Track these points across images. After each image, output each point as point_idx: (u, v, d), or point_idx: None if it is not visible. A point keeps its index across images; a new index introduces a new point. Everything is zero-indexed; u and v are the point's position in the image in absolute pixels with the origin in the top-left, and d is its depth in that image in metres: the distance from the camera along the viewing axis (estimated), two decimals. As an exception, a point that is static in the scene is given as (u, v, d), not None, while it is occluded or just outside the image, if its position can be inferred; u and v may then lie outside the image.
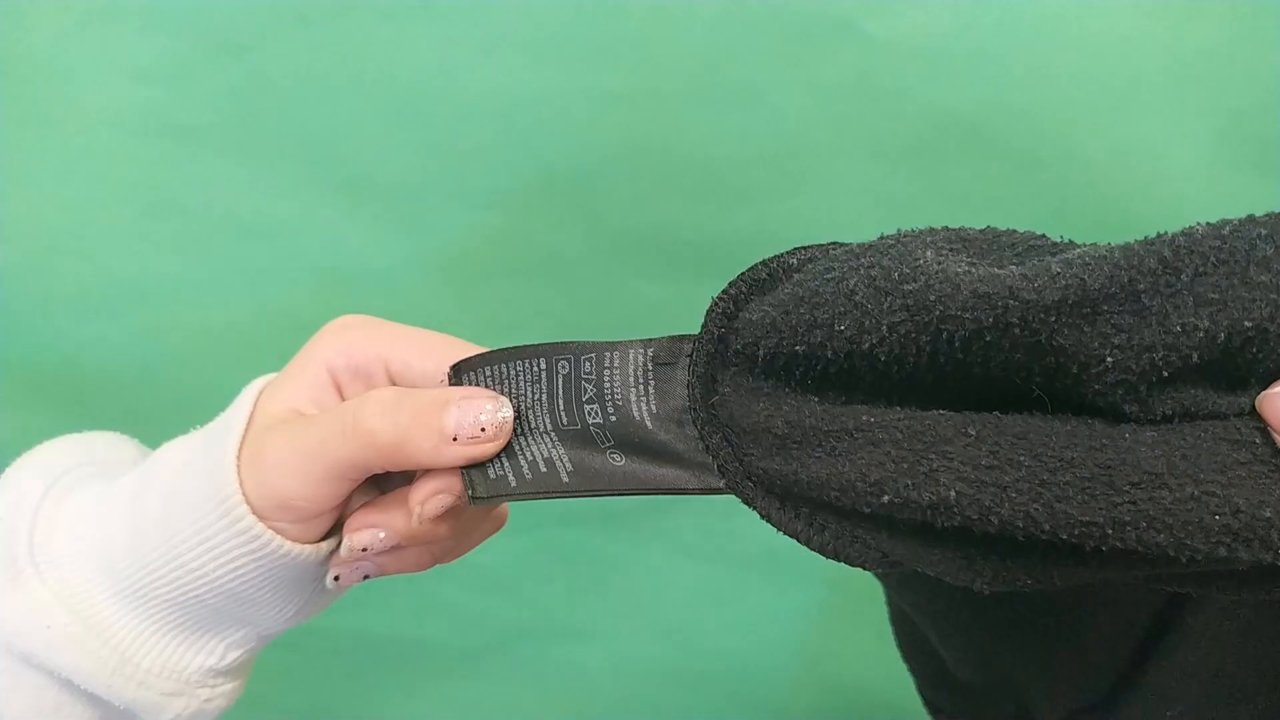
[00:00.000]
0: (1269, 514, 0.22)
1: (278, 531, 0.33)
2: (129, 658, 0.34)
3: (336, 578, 0.35)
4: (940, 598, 0.38)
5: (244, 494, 0.32)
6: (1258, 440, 0.23)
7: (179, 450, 0.35)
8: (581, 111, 0.51)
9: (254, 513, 0.32)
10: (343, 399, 0.34)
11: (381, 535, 0.33)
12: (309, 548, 0.34)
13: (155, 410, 0.61)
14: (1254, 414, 0.23)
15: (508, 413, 0.31)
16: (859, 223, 0.54)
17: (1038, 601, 0.35)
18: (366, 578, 0.36)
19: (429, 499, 0.33)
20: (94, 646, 0.33)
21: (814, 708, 0.73)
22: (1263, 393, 0.23)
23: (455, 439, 0.31)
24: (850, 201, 0.54)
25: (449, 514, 0.33)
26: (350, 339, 0.34)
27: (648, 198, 0.55)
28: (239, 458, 0.32)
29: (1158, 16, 0.48)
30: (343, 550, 0.34)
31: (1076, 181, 0.52)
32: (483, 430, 0.31)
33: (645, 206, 0.55)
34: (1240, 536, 0.22)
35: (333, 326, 0.35)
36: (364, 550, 0.33)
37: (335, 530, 0.35)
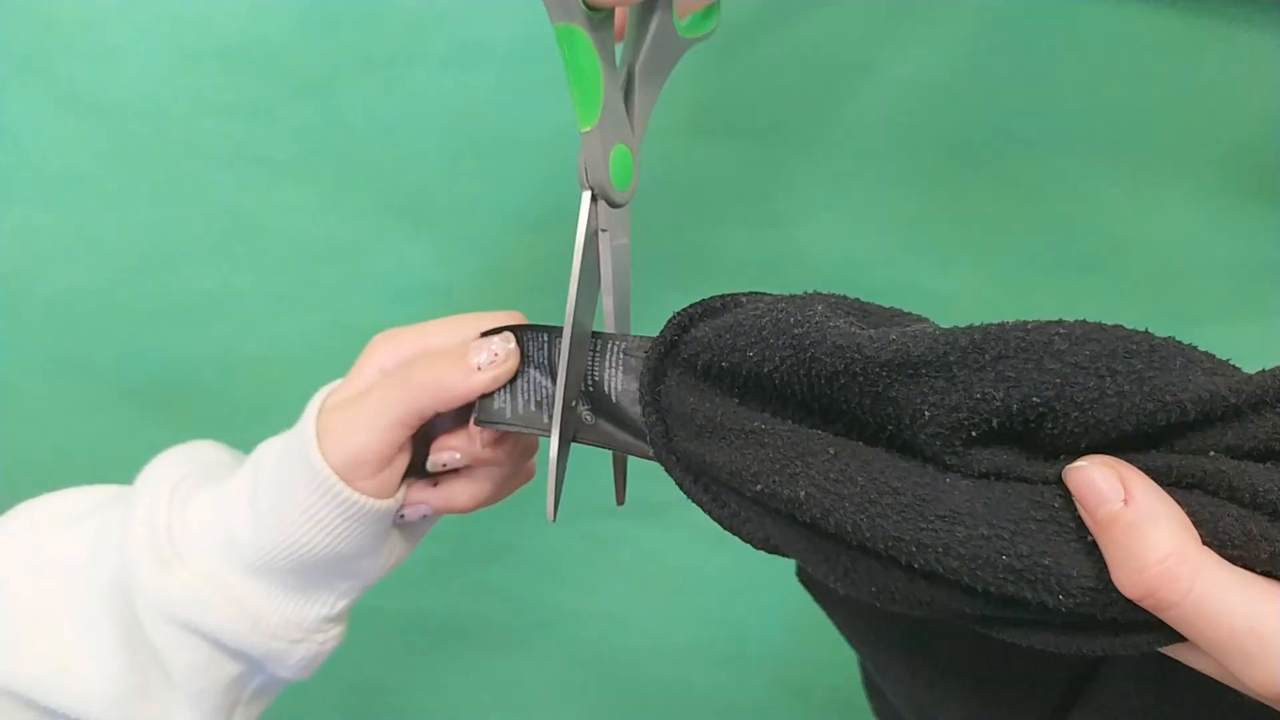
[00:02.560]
0: (1047, 561, 0.26)
1: (359, 491, 0.41)
2: (261, 617, 0.42)
3: (403, 515, 0.44)
4: (881, 651, 0.42)
5: (329, 466, 0.40)
6: (1057, 504, 0.27)
7: (274, 449, 0.43)
8: (624, 143, 0.55)
9: (339, 478, 0.40)
10: None
11: (458, 455, 0.43)
12: (386, 501, 0.42)
13: (234, 413, 0.66)
14: (1060, 482, 0.27)
15: (513, 345, 0.41)
16: (875, 244, 0.58)
17: (960, 662, 0.39)
18: (425, 517, 0.45)
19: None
20: (232, 612, 0.41)
21: (834, 685, 0.76)
22: (1068, 465, 0.27)
23: (479, 368, 0.40)
24: (868, 225, 0.57)
25: (497, 444, 0.43)
26: (394, 343, 0.43)
27: (684, 220, 0.58)
28: (318, 441, 0.40)
29: (1159, 53, 0.51)
30: (429, 465, 0.43)
31: (1079, 207, 0.55)
32: (497, 355, 0.40)
33: (682, 228, 0.59)
34: (1024, 577, 0.26)
35: (378, 339, 0.44)
36: (444, 465, 0.43)
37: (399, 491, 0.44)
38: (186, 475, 0.44)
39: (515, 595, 0.77)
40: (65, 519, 0.44)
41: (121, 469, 0.47)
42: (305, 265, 0.61)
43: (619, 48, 0.38)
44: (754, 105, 0.55)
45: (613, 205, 0.38)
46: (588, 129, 0.36)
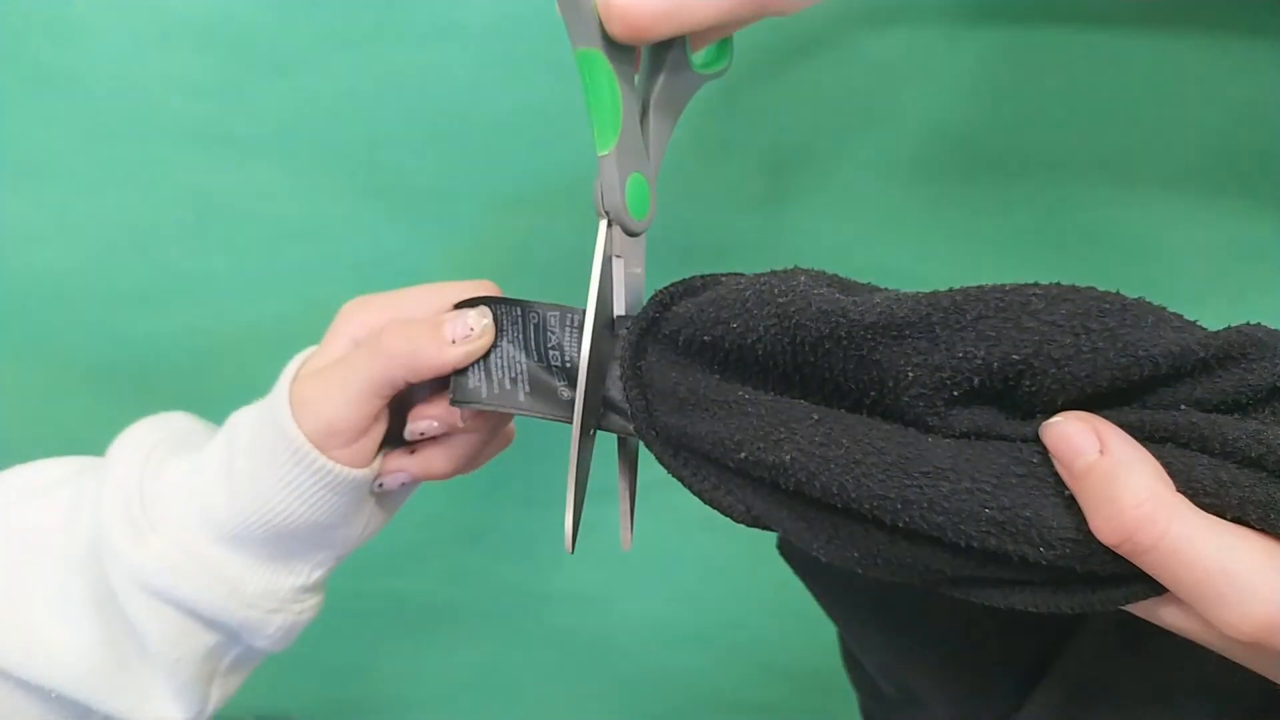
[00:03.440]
0: (1028, 514, 0.27)
1: (334, 460, 0.40)
2: (236, 586, 0.41)
3: (381, 483, 0.43)
4: (857, 622, 0.43)
5: (304, 435, 0.40)
6: (1035, 460, 0.27)
7: (247, 418, 0.43)
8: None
9: (314, 447, 0.40)
10: None
11: (435, 424, 0.42)
12: (362, 470, 0.41)
13: (208, 395, 0.65)
14: (1038, 440, 0.28)
15: (488, 320, 0.40)
16: (855, 227, 0.58)
17: (932, 631, 0.40)
18: (404, 485, 0.44)
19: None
20: (208, 581, 0.41)
21: (813, 667, 0.77)
22: (1045, 422, 0.28)
23: (453, 341, 0.39)
24: (848, 208, 0.57)
25: (475, 414, 0.42)
26: (366, 312, 0.43)
27: (663, 203, 0.58)
28: (291, 408, 0.40)
29: (1139, 39, 0.51)
30: (406, 434, 0.43)
31: (1059, 191, 0.55)
32: (472, 329, 0.40)
33: (661, 211, 0.59)
34: (1005, 529, 0.27)
35: (349, 307, 0.43)
36: (422, 434, 0.43)
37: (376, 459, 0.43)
38: (159, 444, 0.44)
39: (495, 579, 0.76)
40: (36, 489, 0.44)
41: (94, 452, 0.46)
42: (279, 246, 0.61)
43: (635, 78, 0.38)
44: (731, 87, 0.54)
45: (629, 233, 0.37)
46: (605, 153, 0.36)
